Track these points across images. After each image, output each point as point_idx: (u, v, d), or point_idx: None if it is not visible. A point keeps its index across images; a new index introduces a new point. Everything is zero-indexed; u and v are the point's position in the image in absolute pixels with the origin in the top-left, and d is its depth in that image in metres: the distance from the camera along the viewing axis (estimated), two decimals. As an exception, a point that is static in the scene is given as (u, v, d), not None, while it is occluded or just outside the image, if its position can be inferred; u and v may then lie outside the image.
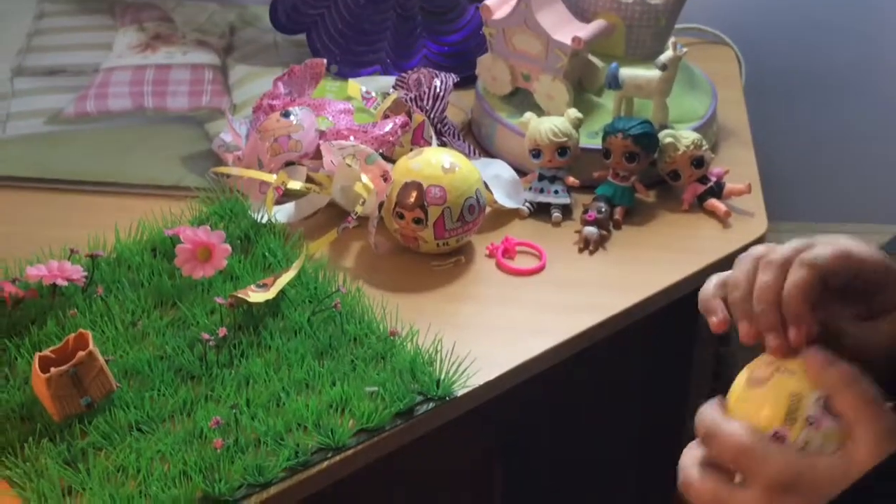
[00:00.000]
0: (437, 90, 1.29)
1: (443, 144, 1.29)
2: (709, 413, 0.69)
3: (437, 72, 1.31)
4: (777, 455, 0.66)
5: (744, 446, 0.66)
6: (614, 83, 1.24)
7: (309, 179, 1.21)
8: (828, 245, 0.71)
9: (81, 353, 0.92)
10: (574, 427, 1.36)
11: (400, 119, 1.24)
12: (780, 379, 0.68)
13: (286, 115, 1.21)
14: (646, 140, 1.20)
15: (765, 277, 0.71)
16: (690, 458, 0.70)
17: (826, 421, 0.67)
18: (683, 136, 1.22)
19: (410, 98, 1.27)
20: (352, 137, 1.21)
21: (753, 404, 0.68)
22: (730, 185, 1.23)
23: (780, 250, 0.71)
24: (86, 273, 1.06)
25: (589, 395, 1.31)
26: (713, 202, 1.22)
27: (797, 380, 0.68)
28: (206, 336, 1.00)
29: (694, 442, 0.70)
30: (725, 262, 1.19)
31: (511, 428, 1.36)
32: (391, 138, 1.22)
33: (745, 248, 1.19)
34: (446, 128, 1.30)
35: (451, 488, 1.35)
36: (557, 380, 1.12)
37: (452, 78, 1.30)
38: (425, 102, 1.27)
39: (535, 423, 1.36)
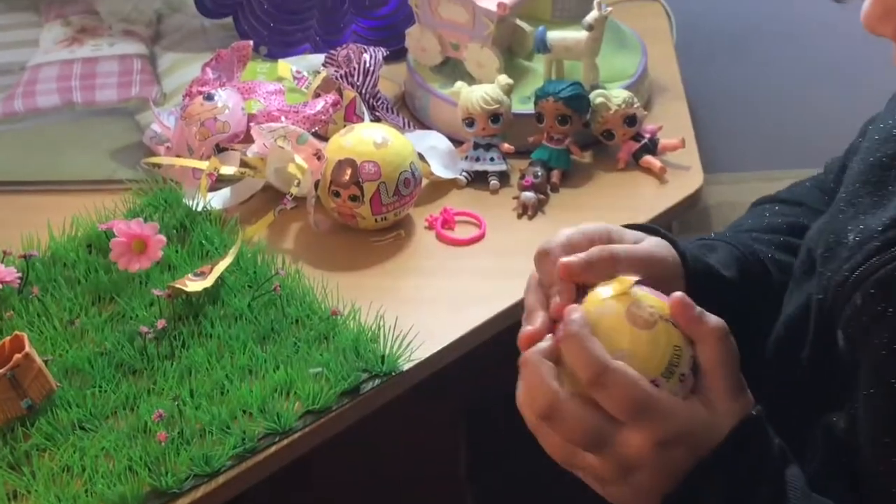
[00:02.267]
0: (367, 65, 1.28)
1: (377, 119, 1.28)
2: (592, 353, 0.68)
3: (365, 47, 1.30)
4: (674, 410, 0.69)
5: (645, 402, 0.68)
6: (543, 47, 1.24)
7: (243, 164, 1.20)
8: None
9: (18, 356, 0.91)
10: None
11: (331, 97, 1.23)
12: (665, 328, 0.70)
13: (209, 97, 1.20)
14: (577, 102, 1.20)
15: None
16: (553, 394, 0.70)
17: (691, 379, 0.70)
18: (615, 96, 1.22)
19: (340, 75, 1.26)
20: (283, 118, 1.20)
21: (641, 346, 0.69)
22: (664, 141, 1.23)
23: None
24: (20, 274, 1.05)
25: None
26: (648, 159, 1.22)
27: (679, 333, 0.70)
28: (144, 329, 0.99)
29: (545, 356, 0.72)
30: (664, 218, 1.19)
31: (471, 397, 1.36)
32: (323, 117, 1.22)
33: (683, 202, 1.21)
34: (379, 102, 1.30)
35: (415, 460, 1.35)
36: (509, 345, 1.12)
37: (382, 52, 1.29)
38: (356, 78, 1.26)
39: (493, 390, 1.35)
